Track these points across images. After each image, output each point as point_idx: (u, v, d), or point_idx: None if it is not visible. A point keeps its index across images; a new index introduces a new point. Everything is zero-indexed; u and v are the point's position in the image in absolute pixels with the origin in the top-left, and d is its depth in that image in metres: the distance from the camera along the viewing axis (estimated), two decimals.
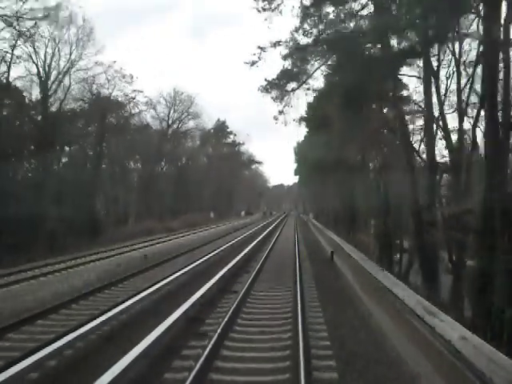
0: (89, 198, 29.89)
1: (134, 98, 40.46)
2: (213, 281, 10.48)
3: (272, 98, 16.07)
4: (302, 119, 22.77)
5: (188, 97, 52.26)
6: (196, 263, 13.95)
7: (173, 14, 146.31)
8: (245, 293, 9.91)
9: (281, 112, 16.67)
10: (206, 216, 56.43)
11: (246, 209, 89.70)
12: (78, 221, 30.55)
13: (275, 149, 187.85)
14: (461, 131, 16.23)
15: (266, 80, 15.86)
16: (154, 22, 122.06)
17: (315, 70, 15.72)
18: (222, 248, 19.23)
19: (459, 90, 16.47)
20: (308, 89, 16.70)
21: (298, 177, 77.31)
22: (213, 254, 17.03)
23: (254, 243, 21.36)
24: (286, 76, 15.27)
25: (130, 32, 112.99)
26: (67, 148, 35.04)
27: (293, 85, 15.81)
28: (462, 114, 16.12)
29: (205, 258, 15.55)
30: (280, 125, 17.75)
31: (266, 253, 18.11)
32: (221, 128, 64.34)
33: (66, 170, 32.89)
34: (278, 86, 15.59)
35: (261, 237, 25.68)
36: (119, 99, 38.95)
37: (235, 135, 70.17)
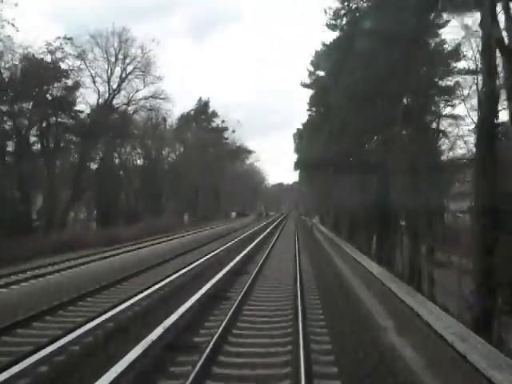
0: None
1: (59, 48, 28.22)
2: None
3: None
4: None
5: (141, 48, 34.35)
6: None
7: (173, 14, 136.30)
8: None
9: None
10: (181, 219, 44.09)
11: (238, 209, 76.53)
12: None
13: (275, 150, 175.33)
14: None
15: None
16: (153, 22, 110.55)
17: None
18: (122, 307, 7.30)
19: None
20: None
21: (298, 172, 65.46)
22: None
23: (206, 287, 9.10)
24: None
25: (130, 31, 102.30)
26: None
27: None
28: None
29: None
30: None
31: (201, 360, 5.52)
32: (203, 109, 51.35)
33: None
34: None
35: (227, 269, 13.18)
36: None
37: (223, 122, 57.35)
